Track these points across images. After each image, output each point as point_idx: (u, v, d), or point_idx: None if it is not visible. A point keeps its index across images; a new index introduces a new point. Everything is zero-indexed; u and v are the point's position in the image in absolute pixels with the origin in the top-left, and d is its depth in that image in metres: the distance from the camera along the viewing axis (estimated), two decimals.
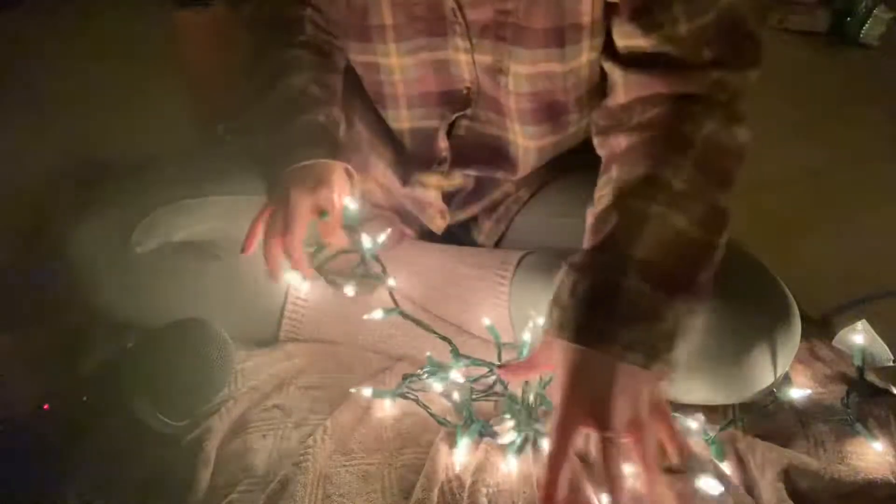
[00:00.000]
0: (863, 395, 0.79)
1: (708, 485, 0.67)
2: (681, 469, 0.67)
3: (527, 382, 0.74)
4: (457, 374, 0.76)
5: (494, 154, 0.85)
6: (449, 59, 0.78)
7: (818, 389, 0.81)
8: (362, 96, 0.87)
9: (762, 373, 0.73)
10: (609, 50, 0.72)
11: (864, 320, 0.83)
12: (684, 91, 0.68)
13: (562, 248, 0.85)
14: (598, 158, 0.74)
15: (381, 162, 0.89)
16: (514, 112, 0.79)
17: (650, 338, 0.59)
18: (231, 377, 0.76)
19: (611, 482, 0.56)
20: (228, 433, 0.75)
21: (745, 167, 0.70)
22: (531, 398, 0.74)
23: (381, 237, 0.80)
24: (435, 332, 0.78)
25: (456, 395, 0.77)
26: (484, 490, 0.68)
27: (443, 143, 0.84)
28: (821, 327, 0.90)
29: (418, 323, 0.78)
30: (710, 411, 0.77)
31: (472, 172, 0.88)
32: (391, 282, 0.79)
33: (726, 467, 0.71)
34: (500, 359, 0.77)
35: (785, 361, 0.74)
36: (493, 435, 0.73)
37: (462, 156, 0.85)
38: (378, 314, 0.79)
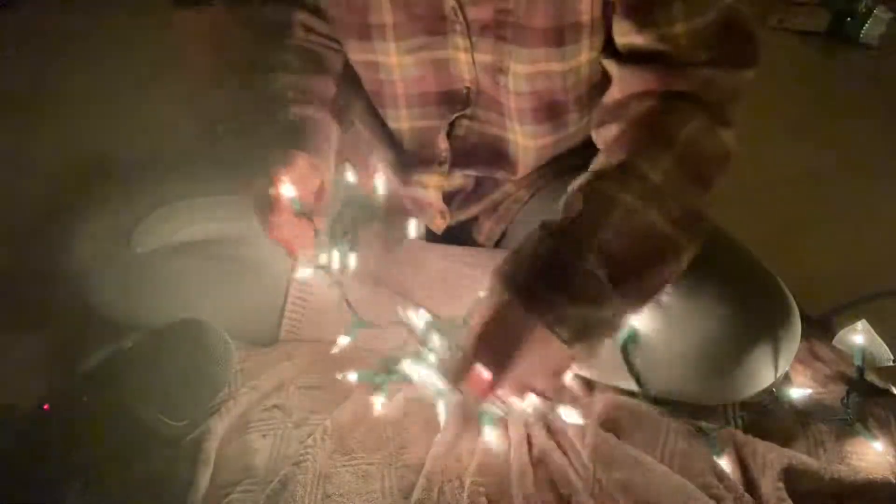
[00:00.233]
0: (863, 395, 0.79)
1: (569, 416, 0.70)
2: None
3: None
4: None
5: (494, 154, 0.85)
6: (449, 58, 0.78)
7: (818, 389, 0.81)
8: (362, 97, 0.87)
9: (762, 373, 0.73)
10: (609, 47, 0.73)
11: (864, 320, 0.83)
12: (675, 88, 0.68)
13: None
14: None
15: (381, 162, 0.89)
16: (514, 112, 0.79)
17: (585, 320, 0.60)
18: (231, 377, 0.76)
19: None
20: (228, 433, 0.75)
21: (728, 173, 0.70)
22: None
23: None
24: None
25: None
26: (484, 490, 0.68)
27: (443, 144, 0.84)
28: (821, 327, 0.90)
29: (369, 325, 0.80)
30: (710, 410, 0.77)
31: (472, 172, 0.88)
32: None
33: (726, 466, 0.71)
34: None
35: (785, 361, 0.74)
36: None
37: (462, 156, 0.85)
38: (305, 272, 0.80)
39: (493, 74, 0.77)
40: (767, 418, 0.77)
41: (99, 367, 0.70)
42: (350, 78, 0.87)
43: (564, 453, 0.72)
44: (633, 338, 0.75)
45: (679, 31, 0.66)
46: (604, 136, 0.72)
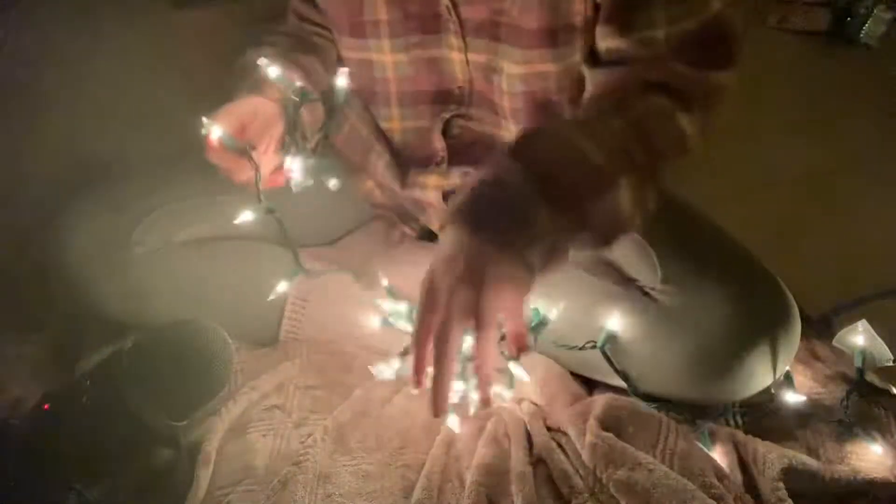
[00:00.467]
0: (863, 395, 0.79)
1: (518, 372, 0.70)
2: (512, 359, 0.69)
3: None
4: None
5: (491, 153, 0.86)
6: (442, 57, 0.78)
7: (818, 389, 0.81)
8: (361, 97, 0.87)
9: (762, 372, 0.73)
10: (588, 54, 0.73)
11: (864, 320, 0.83)
12: (646, 77, 0.68)
13: None
14: None
15: (381, 163, 0.88)
16: (508, 111, 0.79)
17: (524, 239, 0.59)
18: (231, 377, 0.76)
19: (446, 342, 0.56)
20: (228, 433, 0.75)
21: (684, 157, 0.71)
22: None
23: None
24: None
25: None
26: (484, 490, 0.68)
27: (439, 143, 0.84)
28: (821, 327, 0.90)
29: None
30: (709, 409, 0.77)
31: (471, 171, 0.88)
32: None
33: (726, 466, 0.71)
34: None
35: (785, 361, 0.74)
36: None
37: (459, 155, 0.85)
38: (376, 322, 0.80)
39: (486, 74, 0.78)
40: (767, 418, 0.77)
41: (99, 367, 0.70)
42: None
43: (564, 453, 0.72)
44: (611, 338, 0.75)
45: (660, 37, 0.67)
46: None
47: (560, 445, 0.73)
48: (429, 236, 0.93)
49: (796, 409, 0.77)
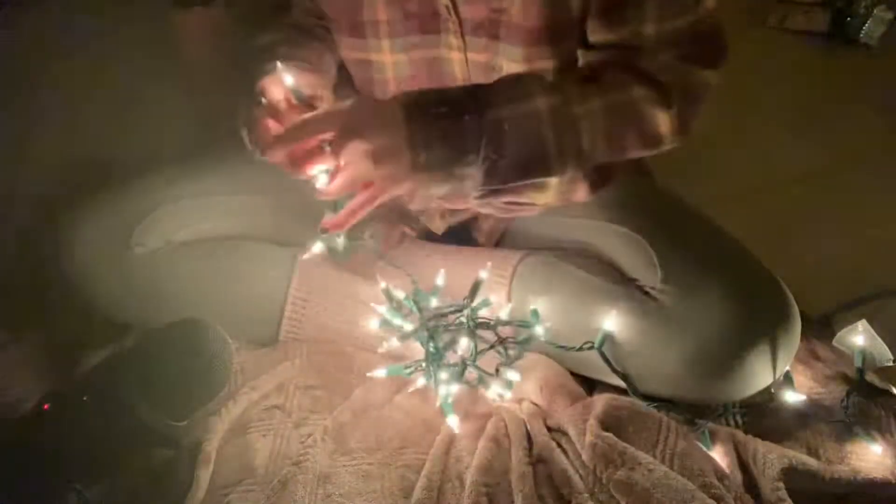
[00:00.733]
0: (863, 395, 0.79)
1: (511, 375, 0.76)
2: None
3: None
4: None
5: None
6: (442, 57, 0.78)
7: (818, 390, 0.81)
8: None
9: (762, 372, 0.73)
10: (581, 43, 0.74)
11: (864, 320, 0.83)
12: (633, 63, 0.70)
13: (561, 248, 0.86)
14: None
15: None
16: None
17: (443, 160, 0.64)
18: (231, 377, 0.76)
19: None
20: (228, 433, 0.75)
21: (652, 154, 0.74)
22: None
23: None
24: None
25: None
26: (484, 490, 0.68)
27: None
28: (821, 327, 0.90)
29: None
30: (709, 408, 0.77)
31: None
32: None
33: (726, 466, 0.71)
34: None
35: (785, 361, 0.74)
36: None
37: None
38: (375, 323, 0.80)
39: (486, 73, 0.78)
40: (767, 418, 0.77)
41: (99, 367, 0.70)
42: (348, 79, 0.87)
43: (564, 453, 0.72)
44: (609, 338, 0.76)
45: (649, 32, 0.68)
46: None
47: (560, 445, 0.73)
48: (429, 236, 0.93)
49: (796, 409, 0.77)
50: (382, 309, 0.81)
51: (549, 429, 0.76)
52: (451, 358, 0.78)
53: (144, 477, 0.67)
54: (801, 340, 0.75)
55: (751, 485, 0.70)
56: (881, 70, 1.62)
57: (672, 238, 0.78)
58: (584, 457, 0.70)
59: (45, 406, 0.66)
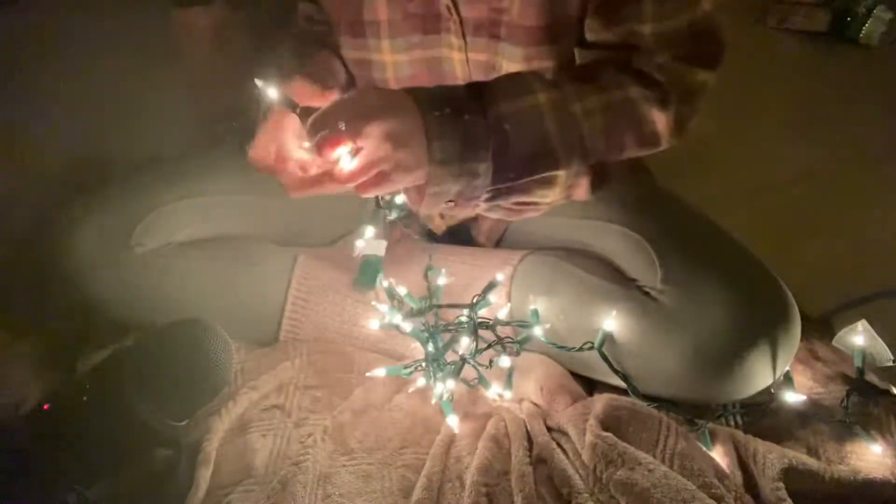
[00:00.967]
0: (863, 395, 0.79)
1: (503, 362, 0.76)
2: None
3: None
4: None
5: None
6: (442, 57, 0.78)
7: (818, 390, 0.81)
8: None
9: (761, 372, 0.73)
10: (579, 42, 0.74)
11: (864, 320, 0.83)
12: (631, 64, 0.70)
13: (562, 248, 0.86)
14: None
15: None
16: None
17: (452, 155, 0.63)
18: (231, 377, 0.76)
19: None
20: (228, 433, 0.75)
21: (650, 154, 0.74)
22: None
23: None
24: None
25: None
26: (484, 490, 0.68)
27: None
28: (821, 327, 0.90)
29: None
30: (709, 408, 0.77)
31: None
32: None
33: (726, 466, 0.71)
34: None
35: (785, 361, 0.74)
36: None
37: None
38: (375, 323, 0.80)
39: (486, 73, 0.78)
40: (767, 418, 0.77)
41: (99, 367, 0.70)
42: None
43: (564, 453, 0.72)
44: (609, 338, 0.76)
45: (647, 31, 0.68)
46: None
47: (560, 445, 0.73)
48: (429, 236, 0.93)
49: (796, 409, 0.77)
50: (383, 308, 0.81)
51: (549, 429, 0.76)
52: (451, 357, 0.79)
53: (144, 477, 0.67)
54: (801, 340, 0.75)
55: (751, 485, 0.70)
56: (881, 70, 1.62)
57: (672, 238, 0.78)
58: (584, 457, 0.70)
59: (45, 406, 0.66)
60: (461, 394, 0.81)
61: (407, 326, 0.79)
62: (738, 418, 0.77)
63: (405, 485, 0.70)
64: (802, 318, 0.75)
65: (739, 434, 0.75)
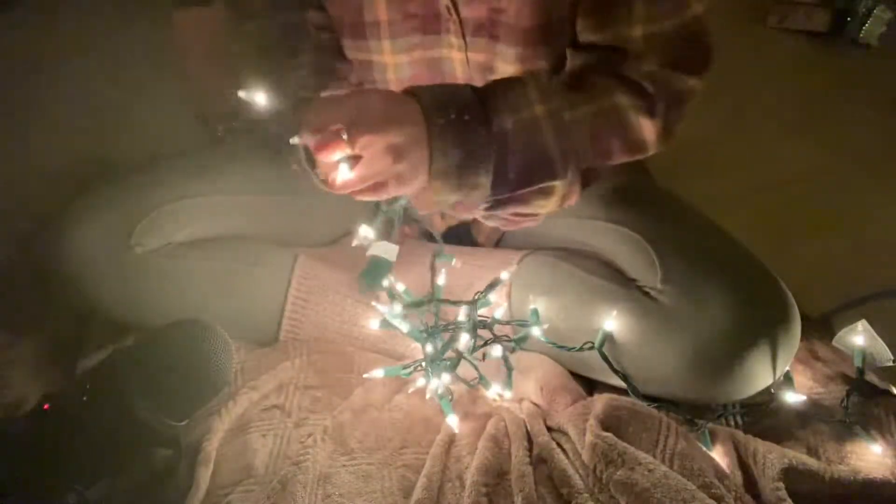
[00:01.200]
0: (863, 395, 0.79)
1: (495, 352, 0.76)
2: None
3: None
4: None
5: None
6: (442, 57, 0.78)
7: (818, 390, 0.81)
8: None
9: (761, 372, 0.73)
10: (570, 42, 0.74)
11: (864, 320, 0.83)
12: (619, 71, 0.70)
13: (562, 248, 0.86)
14: None
15: None
16: None
17: (455, 163, 0.63)
18: (231, 377, 0.76)
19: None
20: (228, 433, 0.75)
21: (635, 159, 0.73)
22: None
23: None
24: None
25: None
26: (484, 490, 0.68)
27: None
28: (821, 327, 0.90)
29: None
30: (709, 408, 0.77)
31: None
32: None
33: (725, 465, 0.71)
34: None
35: (785, 361, 0.74)
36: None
37: None
38: (375, 323, 0.80)
39: (484, 74, 0.78)
40: (767, 418, 0.77)
41: (99, 367, 0.70)
42: None
43: (564, 453, 0.72)
44: (609, 338, 0.76)
45: (637, 34, 0.68)
46: None
47: (560, 445, 0.73)
48: (429, 236, 0.93)
49: (796, 409, 0.77)
50: (383, 308, 0.81)
51: (549, 429, 0.76)
52: (450, 357, 0.79)
53: (144, 477, 0.67)
54: (801, 340, 0.75)
55: (751, 485, 0.70)
56: (881, 70, 1.62)
57: (672, 238, 0.78)
58: (584, 457, 0.70)
59: (45, 406, 0.66)
60: (461, 394, 0.81)
61: (406, 326, 0.79)
62: (738, 418, 0.77)
63: (405, 485, 0.70)
64: (802, 318, 0.75)
65: (739, 434, 0.75)
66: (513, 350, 0.80)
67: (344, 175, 0.61)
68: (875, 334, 0.82)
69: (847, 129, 1.40)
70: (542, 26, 0.72)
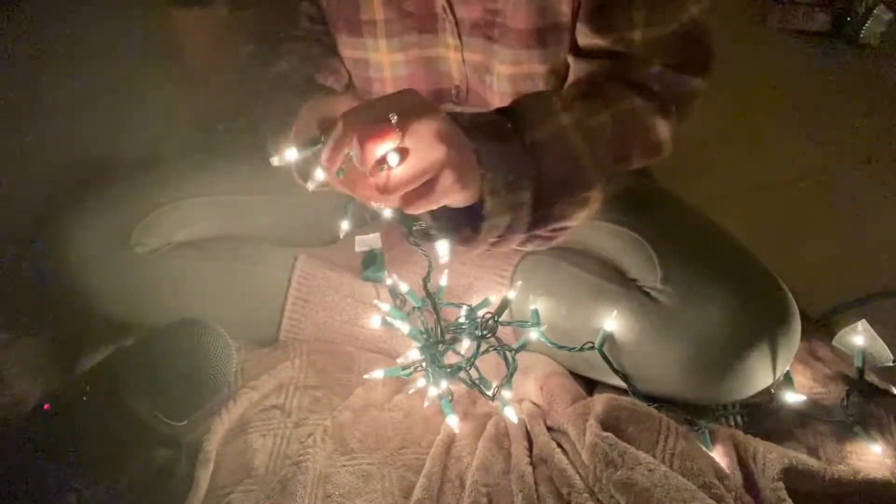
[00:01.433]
0: (863, 395, 0.79)
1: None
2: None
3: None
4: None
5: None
6: (439, 56, 0.79)
7: (818, 390, 0.81)
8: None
9: (762, 373, 0.73)
10: (572, 48, 0.74)
11: (864, 320, 0.83)
12: (625, 75, 0.70)
13: (562, 248, 0.86)
14: None
15: None
16: None
17: (499, 184, 0.59)
18: (231, 377, 0.76)
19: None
20: (228, 433, 0.75)
21: (655, 163, 0.73)
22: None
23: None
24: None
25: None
26: (484, 490, 0.68)
27: None
28: (821, 327, 0.90)
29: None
30: (708, 408, 0.77)
31: None
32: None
33: (726, 466, 0.71)
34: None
35: (784, 361, 0.74)
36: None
37: None
38: (376, 322, 0.80)
39: (480, 74, 0.78)
40: (767, 418, 0.77)
41: (99, 367, 0.70)
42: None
43: (564, 453, 0.72)
44: (609, 338, 0.76)
45: (637, 38, 0.68)
46: None
47: (560, 445, 0.73)
48: (426, 237, 0.93)
49: (796, 409, 0.77)
50: (384, 307, 0.81)
51: (549, 429, 0.76)
52: (450, 358, 0.78)
53: (144, 477, 0.67)
54: (801, 340, 0.75)
55: (751, 485, 0.70)
56: (881, 70, 1.62)
57: (672, 238, 0.78)
58: (584, 457, 0.70)
59: (45, 406, 0.66)
60: (461, 394, 0.81)
61: (406, 327, 0.79)
62: (738, 418, 0.77)
63: (405, 485, 0.70)
64: (802, 318, 0.75)
65: (739, 434, 0.75)
66: (513, 357, 0.80)
67: (393, 162, 0.55)
68: (875, 334, 0.82)
69: (847, 129, 1.40)
70: (538, 29, 0.72)
